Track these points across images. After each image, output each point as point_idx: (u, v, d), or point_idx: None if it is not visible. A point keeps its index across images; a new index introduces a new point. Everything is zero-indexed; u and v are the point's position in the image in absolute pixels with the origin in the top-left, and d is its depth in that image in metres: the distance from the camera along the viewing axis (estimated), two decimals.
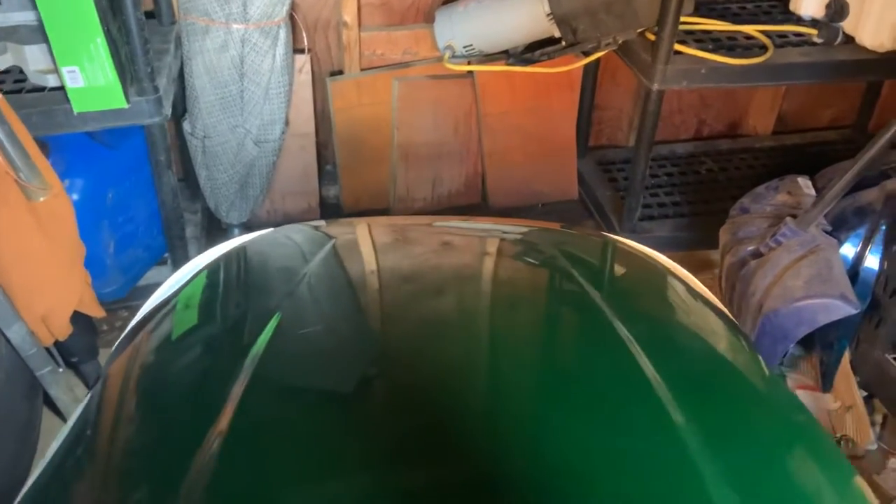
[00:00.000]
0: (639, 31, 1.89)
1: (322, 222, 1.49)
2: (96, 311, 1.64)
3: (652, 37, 1.84)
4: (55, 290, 1.55)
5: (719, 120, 2.68)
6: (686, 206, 2.30)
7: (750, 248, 1.71)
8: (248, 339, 0.80)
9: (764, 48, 1.90)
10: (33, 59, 1.65)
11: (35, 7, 1.48)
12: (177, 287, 1.00)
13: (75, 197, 1.73)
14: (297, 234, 1.21)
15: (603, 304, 0.84)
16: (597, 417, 0.71)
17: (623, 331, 0.79)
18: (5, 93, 1.46)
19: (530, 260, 1.09)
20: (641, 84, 2.42)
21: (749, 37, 1.96)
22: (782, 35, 1.96)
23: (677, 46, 1.81)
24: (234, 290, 1.02)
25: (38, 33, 1.62)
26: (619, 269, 1.08)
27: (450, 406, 0.71)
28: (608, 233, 2.16)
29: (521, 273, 1.02)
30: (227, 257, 1.05)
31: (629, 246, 1.13)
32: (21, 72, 1.69)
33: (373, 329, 0.87)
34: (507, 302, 0.92)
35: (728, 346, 0.90)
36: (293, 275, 0.97)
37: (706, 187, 2.41)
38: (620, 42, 1.92)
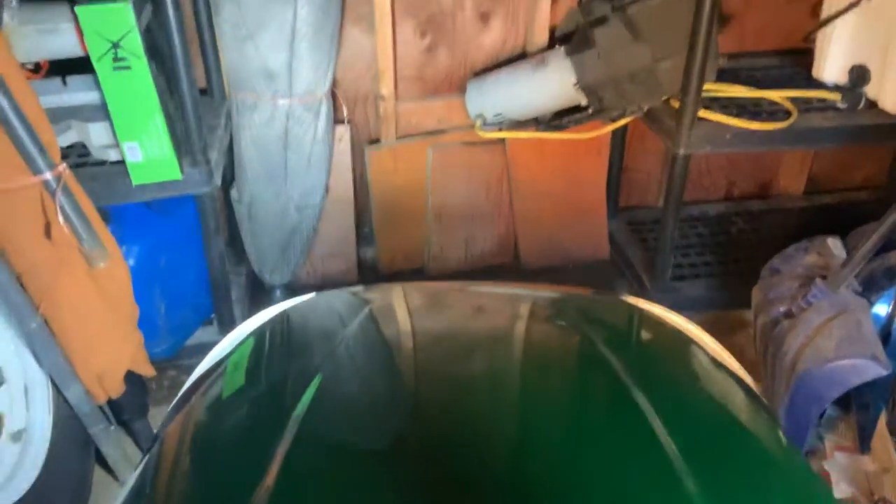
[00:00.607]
0: (663, 98, 1.97)
1: (359, 288, 1.56)
2: (148, 371, 1.73)
3: (676, 104, 1.91)
4: (111, 350, 1.64)
5: (749, 181, 2.71)
6: (718, 266, 2.33)
7: (782, 308, 1.73)
8: (290, 401, 0.87)
9: (788, 113, 1.95)
10: (96, 136, 1.78)
11: (98, 88, 1.61)
12: (225, 352, 1.08)
13: (131, 262, 1.84)
14: (336, 299, 1.29)
15: (622, 372, 0.89)
16: (613, 484, 0.74)
17: (641, 398, 0.83)
18: (70, 167, 1.59)
19: (555, 325, 1.14)
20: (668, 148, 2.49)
21: (773, 103, 2.02)
22: (806, 101, 2.02)
23: (701, 113, 1.88)
24: (278, 354, 1.09)
25: (101, 112, 1.76)
26: (640, 336, 1.13)
27: (478, 463, 0.76)
28: (640, 292, 2.21)
29: (546, 338, 1.08)
30: (271, 323, 1.12)
31: (652, 310, 1.17)
32: (84, 147, 1.83)
33: (407, 389, 0.93)
34: (531, 366, 0.97)
35: (746, 416, 0.93)
36: (332, 338, 1.04)
37: (738, 247, 2.43)
38: (646, 109, 2.00)
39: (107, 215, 1.85)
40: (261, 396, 0.96)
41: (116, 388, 1.63)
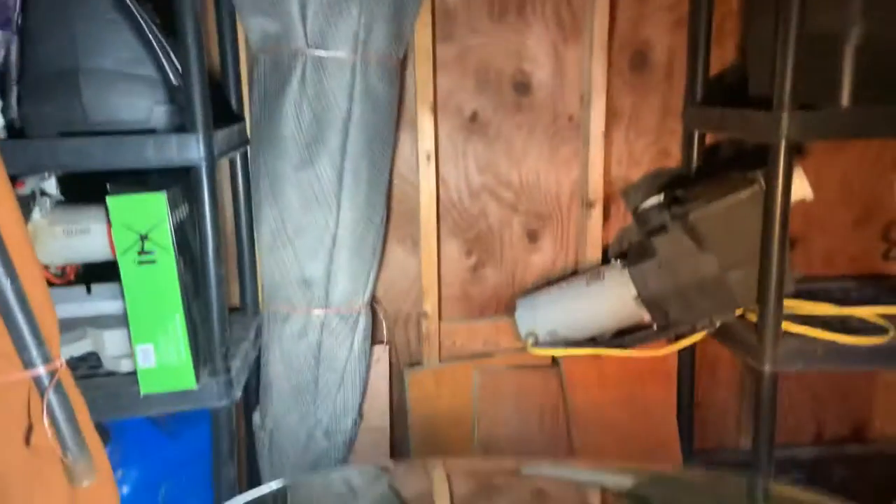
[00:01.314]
0: (737, 311, 1.77)
1: (389, 462, 1.23)
2: None
3: (753, 317, 1.71)
4: None
5: (840, 421, 2.38)
6: None
7: None
8: None
9: (883, 330, 1.72)
10: (111, 344, 1.63)
11: (122, 297, 1.49)
12: None
13: (125, 490, 1.58)
14: (359, 476, 0.99)
15: None
16: None
17: None
18: (79, 377, 1.43)
19: None
20: (747, 373, 2.23)
21: (862, 320, 1.80)
22: None
23: (786, 326, 1.66)
24: None
25: (122, 320, 1.63)
26: None
27: None
28: None
29: None
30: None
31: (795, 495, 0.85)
32: (97, 359, 1.67)
33: None
34: None
35: None
36: None
37: (844, 498, 2.03)
38: (718, 324, 1.79)
39: (107, 433, 1.63)
40: None
41: None
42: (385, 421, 2.08)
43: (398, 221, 2.08)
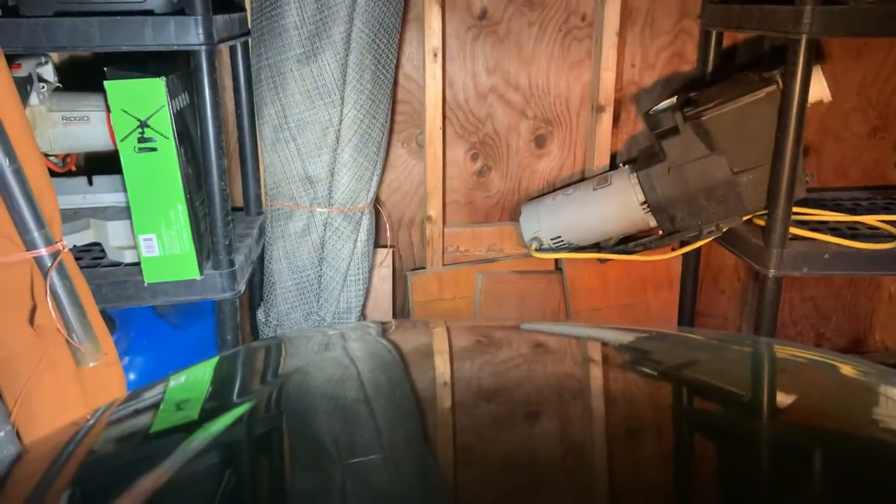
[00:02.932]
0: (745, 217, 1.75)
1: (392, 322, 1.24)
2: None
3: (761, 222, 1.69)
4: None
5: (840, 333, 2.39)
6: None
7: None
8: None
9: (892, 237, 1.70)
10: (114, 235, 1.63)
11: (124, 189, 1.47)
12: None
13: (132, 376, 1.60)
14: (355, 332, 0.99)
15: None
16: None
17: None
18: (83, 267, 1.43)
19: (669, 373, 0.80)
20: (750, 283, 2.23)
21: (872, 227, 1.78)
22: None
23: (794, 230, 1.64)
24: (240, 380, 0.80)
25: (124, 211, 1.62)
26: (795, 384, 0.79)
27: None
28: None
29: (654, 390, 0.75)
30: (249, 349, 0.85)
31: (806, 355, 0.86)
32: (101, 249, 1.67)
33: (441, 466, 0.61)
34: (637, 433, 0.63)
35: None
36: (327, 377, 0.76)
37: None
38: (724, 230, 1.78)
39: (112, 322, 1.65)
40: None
41: None
42: None
43: (403, 123, 2.04)
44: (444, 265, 2.12)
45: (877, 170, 2.20)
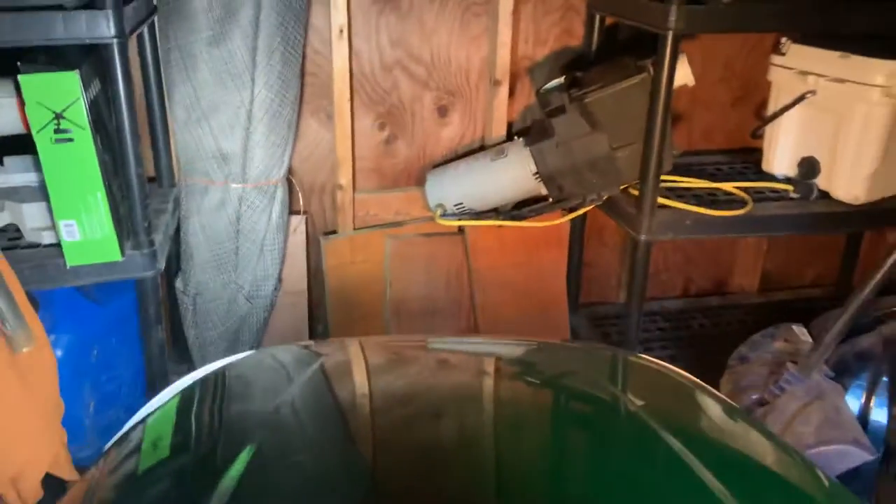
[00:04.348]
0: (622, 186, 1.97)
1: (311, 342, 1.42)
2: (70, 474, 1.53)
3: (636, 192, 1.92)
4: (29, 449, 1.45)
5: (705, 278, 2.72)
6: (682, 361, 2.26)
7: (754, 395, 1.67)
8: (212, 477, 0.73)
9: (743, 203, 1.97)
10: (30, 217, 1.67)
11: (37, 169, 1.52)
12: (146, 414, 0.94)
13: (59, 353, 1.68)
14: (282, 355, 1.15)
15: (645, 417, 0.78)
16: None
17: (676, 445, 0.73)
18: (1, 249, 1.47)
19: (542, 377, 1.02)
20: (628, 238, 2.49)
21: (728, 193, 2.05)
22: (759, 192, 2.05)
23: (661, 200, 1.88)
24: (205, 417, 0.95)
25: (38, 192, 1.66)
26: (645, 385, 1.02)
27: None
28: None
29: (534, 392, 0.96)
30: (202, 382, 0.99)
31: (650, 362, 1.08)
32: (17, 230, 1.71)
33: (363, 460, 0.79)
34: (525, 423, 0.85)
35: (782, 457, 0.84)
36: (271, 400, 0.91)
37: (699, 342, 2.39)
38: (605, 197, 2.00)
39: (35, 302, 1.70)
40: (180, 470, 0.81)
41: (34, 493, 1.43)
42: (303, 286, 2.23)
43: (312, 94, 2.12)
44: (355, 230, 2.25)
45: (738, 134, 2.46)
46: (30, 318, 1.43)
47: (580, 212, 2.09)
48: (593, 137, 1.89)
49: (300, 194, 2.20)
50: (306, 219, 2.22)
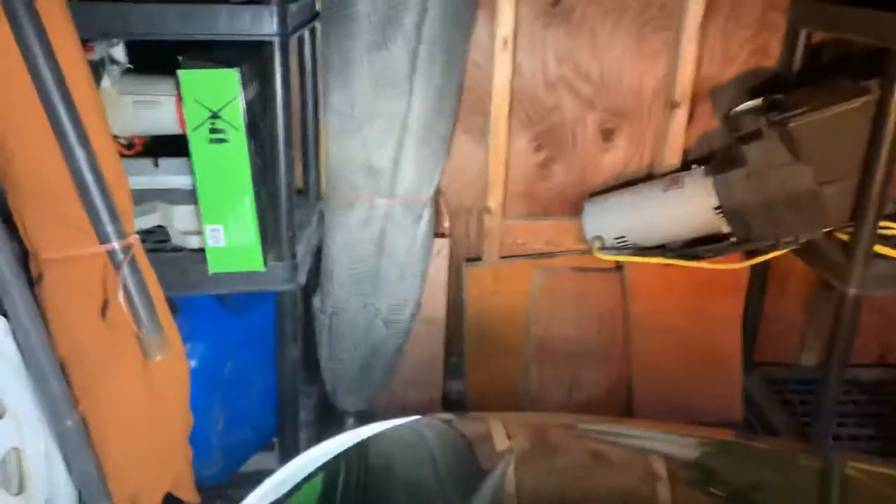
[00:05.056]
0: (826, 230, 1.67)
1: (451, 416, 1.26)
2: (191, 497, 1.44)
3: (843, 236, 1.61)
4: (153, 465, 1.37)
5: None
6: (885, 440, 1.90)
7: None
8: None
9: None
10: (180, 220, 1.63)
11: (191, 172, 1.46)
12: (285, 488, 0.79)
13: (193, 363, 1.61)
14: (428, 429, 0.99)
15: None
16: None
17: None
18: (147, 251, 1.42)
19: (725, 489, 0.79)
20: (819, 290, 2.15)
21: None
22: None
23: (879, 248, 1.56)
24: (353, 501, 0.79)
25: (189, 196, 1.61)
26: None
27: None
28: None
29: None
30: (346, 457, 0.84)
31: (877, 473, 0.82)
32: (165, 232, 1.67)
33: None
34: None
35: None
36: (421, 485, 0.75)
37: None
38: (803, 241, 1.70)
39: (175, 307, 1.65)
40: None
41: None
42: (441, 313, 2.07)
43: (466, 111, 1.98)
44: (500, 258, 2.08)
45: None
46: (168, 326, 1.35)
47: (768, 256, 1.80)
48: (795, 169, 1.61)
49: (446, 215, 2.06)
50: (450, 242, 2.07)
